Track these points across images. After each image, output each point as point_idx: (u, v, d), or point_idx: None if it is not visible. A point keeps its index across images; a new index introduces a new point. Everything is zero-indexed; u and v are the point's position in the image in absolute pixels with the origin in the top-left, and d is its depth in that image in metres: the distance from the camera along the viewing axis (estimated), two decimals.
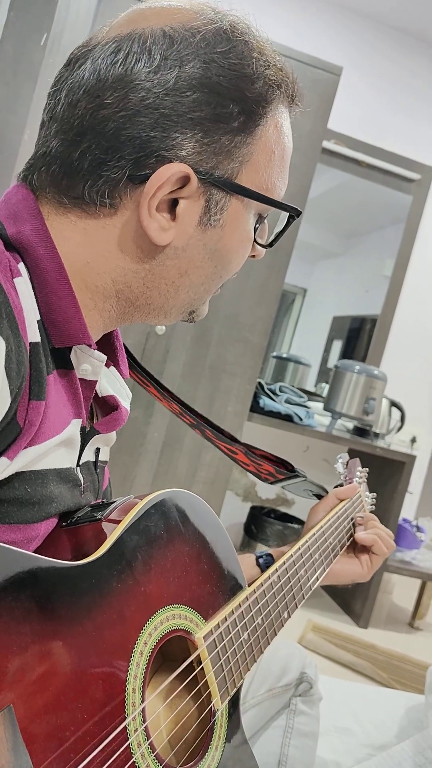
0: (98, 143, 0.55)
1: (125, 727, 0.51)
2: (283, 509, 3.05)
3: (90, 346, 0.59)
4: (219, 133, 0.57)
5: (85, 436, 0.62)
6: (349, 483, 1.07)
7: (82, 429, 0.61)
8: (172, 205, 0.58)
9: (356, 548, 0.99)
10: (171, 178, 0.55)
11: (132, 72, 0.55)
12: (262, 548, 2.83)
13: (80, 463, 0.62)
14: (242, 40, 0.57)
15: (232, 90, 0.56)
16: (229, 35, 0.57)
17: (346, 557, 0.97)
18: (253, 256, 0.68)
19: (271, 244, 0.67)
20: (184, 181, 0.56)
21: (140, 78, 0.55)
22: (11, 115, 2.04)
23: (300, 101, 0.63)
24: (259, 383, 2.57)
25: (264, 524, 2.78)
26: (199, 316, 0.68)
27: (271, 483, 0.96)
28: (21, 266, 0.54)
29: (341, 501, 1.00)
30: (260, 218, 0.64)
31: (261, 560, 0.90)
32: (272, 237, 0.68)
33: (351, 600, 2.65)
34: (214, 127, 0.56)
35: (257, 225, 0.64)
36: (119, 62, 0.55)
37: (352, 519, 1.00)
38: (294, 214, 0.65)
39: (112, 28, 0.58)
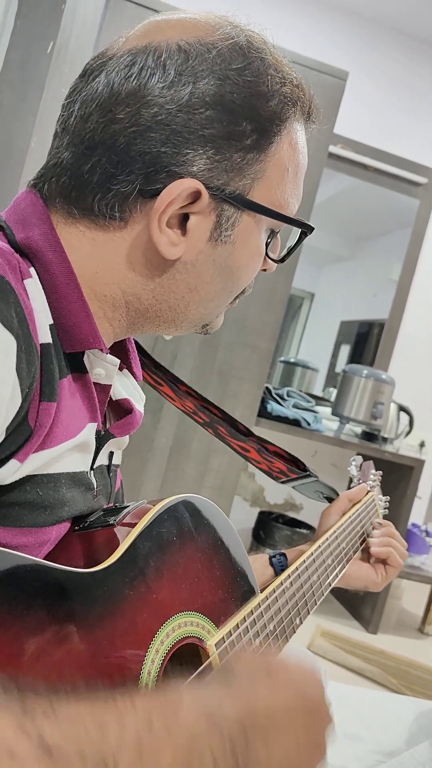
0: (108, 157, 0.55)
1: None
2: (291, 514, 3.04)
3: (102, 350, 0.58)
4: (231, 150, 0.56)
5: (100, 440, 0.62)
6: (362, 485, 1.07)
7: (97, 433, 0.61)
8: (183, 220, 0.58)
9: (372, 556, 0.99)
10: (182, 194, 0.55)
11: (145, 87, 0.55)
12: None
13: (94, 467, 0.62)
14: (258, 57, 0.57)
15: (245, 108, 0.56)
16: (245, 51, 0.57)
17: (360, 562, 0.97)
18: (264, 270, 0.67)
19: (282, 260, 0.67)
20: (195, 196, 0.56)
21: (153, 93, 0.54)
22: (18, 123, 2.05)
23: (316, 118, 0.63)
24: (267, 388, 2.57)
25: (272, 529, 2.77)
26: (213, 329, 0.68)
27: (282, 482, 0.95)
28: (31, 269, 0.54)
29: (353, 504, 1.00)
30: (272, 233, 0.64)
31: (274, 560, 0.90)
32: (284, 252, 0.67)
33: (360, 605, 2.64)
34: (226, 145, 0.56)
35: (269, 240, 0.64)
36: (133, 76, 0.55)
37: (363, 524, 1.00)
38: (306, 230, 0.65)
39: (128, 40, 0.58)
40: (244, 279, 0.64)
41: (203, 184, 0.56)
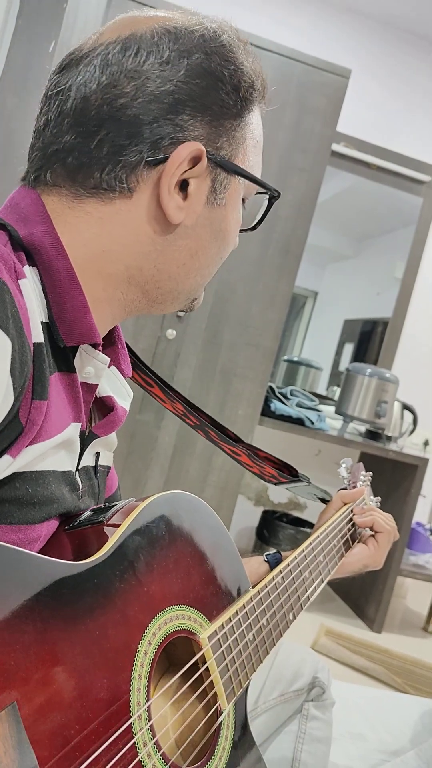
0: (117, 130, 0.58)
1: (130, 726, 0.51)
2: (295, 513, 3.04)
3: (97, 346, 0.60)
4: (223, 117, 0.62)
5: (85, 440, 0.63)
6: (353, 487, 1.07)
7: (81, 433, 0.62)
8: (182, 186, 0.61)
9: (364, 540, 1.00)
10: (188, 157, 0.59)
11: (145, 64, 0.59)
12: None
13: (79, 467, 0.63)
14: (229, 41, 0.63)
15: (230, 79, 0.62)
16: (218, 34, 0.62)
17: (353, 547, 0.98)
18: None
19: (255, 227, 0.72)
20: (196, 161, 0.60)
21: (153, 69, 0.59)
22: (20, 122, 2.05)
23: (268, 101, 0.68)
24: (270, 387, 2.57)
25: (276, 528, 2.77)
26: (198, 303, 0.71)
27: (275, 484, 0.96)
28: (26, 268, 0.55)
29: (345, 504, 1.00)
30: (243, 202, 0.69)
31: (269, 556, 0.90)
32: (256, 221, 0.73)
33: (364, 604, 2.63)
34: (219, 111, 0.61)
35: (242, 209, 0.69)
36: (130, 57, 0.59)
37: (351, 520, 1.00)
38: (276, 195, 0.70)
39: (103, 34, 0.61)
40: (231, 244, 0.69)
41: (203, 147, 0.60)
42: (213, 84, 0.60)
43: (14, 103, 2.17)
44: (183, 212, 0.61)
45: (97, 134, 0.58)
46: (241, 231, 0.70)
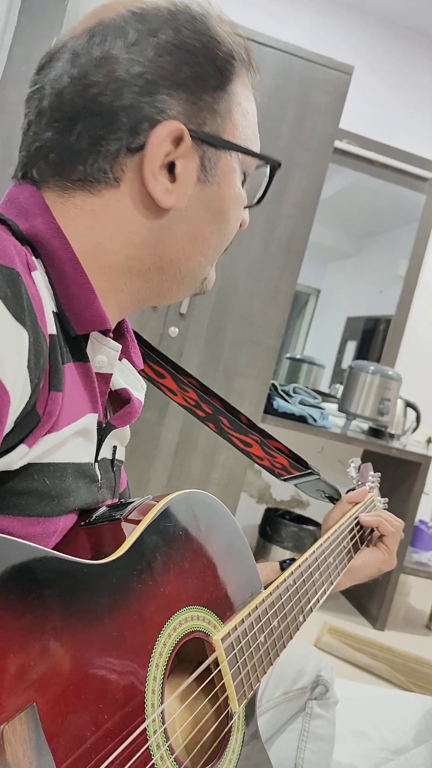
0: (93, 121, 0.57)
1: (145, 729, 0.51)
2: (298, 511, 3.04)
3: (107, 333, 0.60)
4: (200, 91, 0.60)
5: (102, 432, 0.63)
6: (362, 487, 1.07)
7: (99, 424, 0.62)
8: (170, 170, 0.60)
9: (372, 542, 1.00)
10: (168, 137, 0.58)
11: (112, 49, 0.58)
12: (277, 550, 2.82)
13: (98, 459, 0.63)
14: (200, 12, 0.61)
15: (204, 50, 0.60)
16: (189, 7, 0.61)
17: (364, 552, 0.98)
18: (240, 226, 0.69)
19: (259, 202, 0.70)
20: (179, 140, 0.59)
21: (121, 53, 0.57)
22: (21, 119, 2.05)
23: (256, 69, 0.66)
24: (273, 385, 2.56)
25: (279, 526, 2.77)
26: (209, 284, 0.70)
27: (285, 479, 0.96)
28: (36, 261, 0.55)
29: (353, 505, 1.00)
30: (244, 178, 0.67)
31: (285, 564, 0.90)
32: (259, 195, 0.70)
33: (367, 602, 2.63)
34: (195, 86, 0.59)
35: (243, 186, 0.67)
36: (96, 45, 0.58)
37: (359, 522, 1.00)
38: (276, 165, 0.68)
39: (77, 27, 0.61)
40: (233, 221, 0.66)
41: (184, 125, 0.59)
42: (185, 58, 0.58)
43: (16, 101, 2.16)
44: (173, 195, 0.59)
45: (75, 127, 0.58)
46: (247, 208, 0.68)
